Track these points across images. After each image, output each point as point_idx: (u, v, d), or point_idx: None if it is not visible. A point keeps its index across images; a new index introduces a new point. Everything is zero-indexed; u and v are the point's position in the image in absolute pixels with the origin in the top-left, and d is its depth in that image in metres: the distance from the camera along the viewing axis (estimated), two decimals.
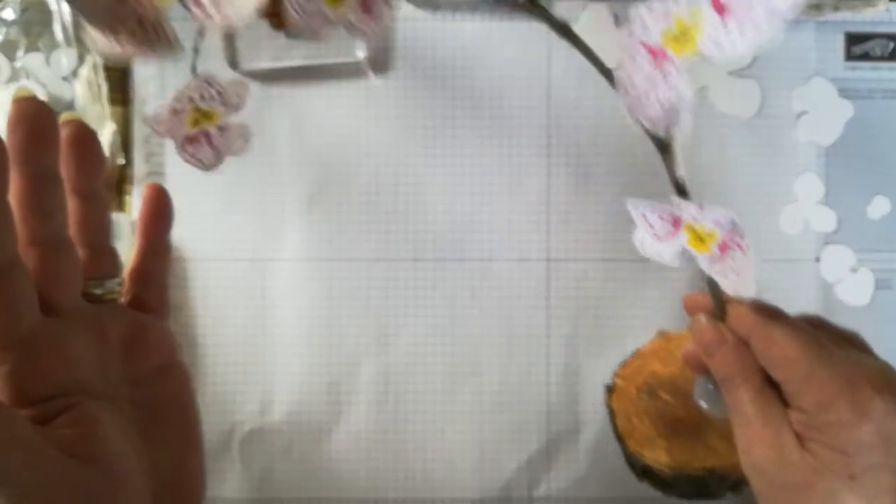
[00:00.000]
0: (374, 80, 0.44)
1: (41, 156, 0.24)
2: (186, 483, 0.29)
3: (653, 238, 0.29)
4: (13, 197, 0.23)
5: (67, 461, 0.23)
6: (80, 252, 0.27)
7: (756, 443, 0.30)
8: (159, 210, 0.31)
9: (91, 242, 0.28)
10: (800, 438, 0.29)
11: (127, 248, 0.42)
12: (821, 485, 0.28)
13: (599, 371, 0.44)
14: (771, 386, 0.31)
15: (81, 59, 0.43)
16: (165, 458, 0.28)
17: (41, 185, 0.24)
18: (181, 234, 0.43)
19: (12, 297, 0.23)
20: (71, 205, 0.26)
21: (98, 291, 0.28)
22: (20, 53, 0.44)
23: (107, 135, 0.43)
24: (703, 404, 0.35)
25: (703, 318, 0.32)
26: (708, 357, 0.32)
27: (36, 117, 0.24)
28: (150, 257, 0.31)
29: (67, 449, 0.23)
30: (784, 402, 0.31)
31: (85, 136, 0.25)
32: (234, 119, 0.29)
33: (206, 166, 0.29)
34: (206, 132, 0.28)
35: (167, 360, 0.30)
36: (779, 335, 0.31)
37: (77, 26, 0.43)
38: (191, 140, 0.28)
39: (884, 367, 0.31)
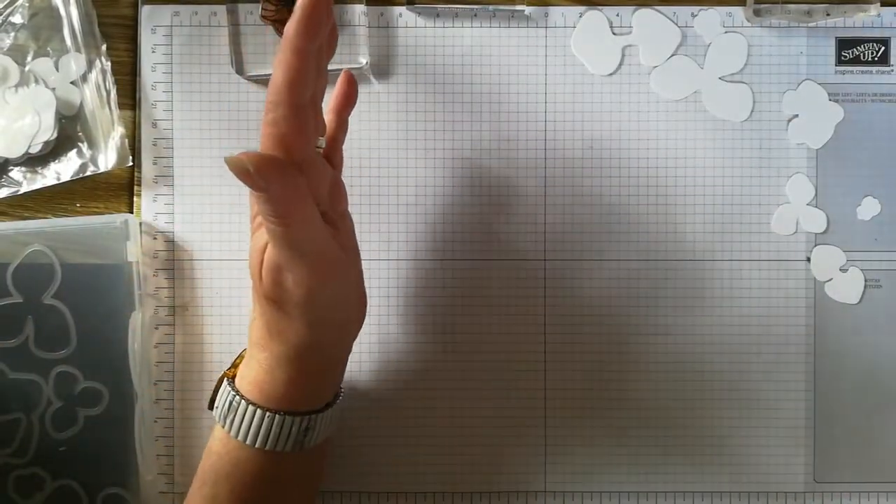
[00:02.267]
0: (376, 86, 0.44)
1: (315, 41, 0.32)
2: (364, 293, 0.39)
3: None
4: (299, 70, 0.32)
5: (335, 243, 0.35)
6: None
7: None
8: (350, 95, 0.38)
9: (319, 107, 0.36)
10: None
11: (135, 247, 0.43)
12: None
13: (595, 366, 0.44)
14: None
15: (90, 64, 0.44)
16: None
17: (312, 63, 0.32)
18: (188, 234, 0.44)
19: (308, 133, 0.33)
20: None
21: (319, 145, 0.37)
22: (29, 58, 0.44)
23: (115, 139, 0.44)
24: None
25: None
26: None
27: (315, 10, 0.31)
28: (338, 130, 0.38)
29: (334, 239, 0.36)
30: None
31: (319, 16, 0.32)
32: None
33: None
34: None
35: (346, 207, 0.38)
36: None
37: (86, 31, 0.44)
38: None
39: None
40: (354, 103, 0.39)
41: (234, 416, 0.36)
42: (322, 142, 0.37)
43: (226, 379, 0.38)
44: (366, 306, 0.39)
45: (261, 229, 0.35)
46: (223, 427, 0.37)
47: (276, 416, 0.36)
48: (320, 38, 0.32)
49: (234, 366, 0.39)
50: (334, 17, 0.36)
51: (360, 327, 0.39)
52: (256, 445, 0.36)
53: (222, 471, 0.37)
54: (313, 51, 0.32)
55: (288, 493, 0.38)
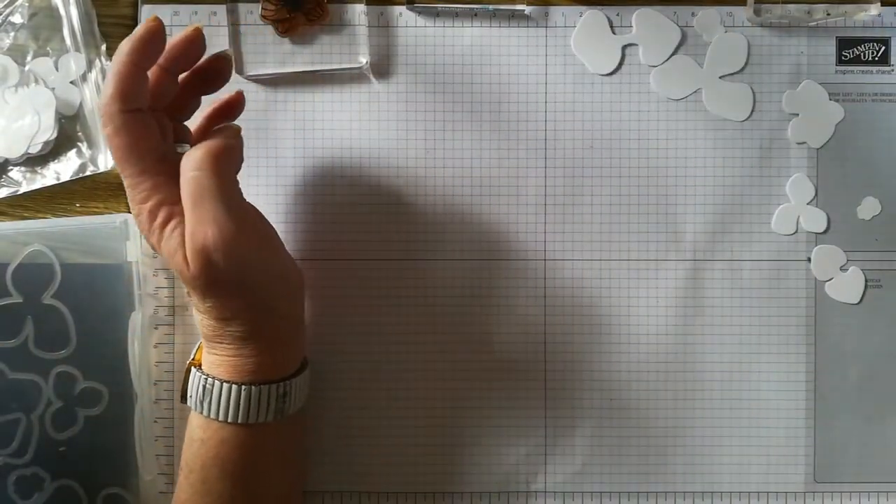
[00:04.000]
0: (376, 85, 0.44)
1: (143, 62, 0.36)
2: (291, 258, 0.42)
3: None
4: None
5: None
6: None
7: None
8: (226, 109, 0.41)
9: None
10: None
11: (135, 247, 0.43)
12: None
13: (595, 366, 0.44)
14: None
15: (90, 64, 0.44)
16: None
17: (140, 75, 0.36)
18: None
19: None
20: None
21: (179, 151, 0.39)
22: (29, 58, 0.44)
23: None
24: None
25: None
26: None
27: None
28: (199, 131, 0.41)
29: None
30: None
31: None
32: None
33: None
34: None
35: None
36: None
37: (86, 31, 0.44)
38: None
39: None
40: (230, 117, 0.41)
41: (210, 398, 0.37)
42: (186, 147, 0.38)
43: (192, 367, 0.39)
44: (299, 269, 0.41)
45: (173, 232, 0.36)
46: (201, 412, 0.38)
47: (252, 387, 0.37)
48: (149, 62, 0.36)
49: (195, 356, 0.40)
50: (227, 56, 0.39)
51: (303, 288, 0.41)
52: (239, 420, 0.37)
53: (208, 454, 0.38)
54: (141, 65, 0.35)
55: (274, 464, 0.39)
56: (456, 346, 0.44)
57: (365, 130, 0.44)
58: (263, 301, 0.37)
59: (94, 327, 0.43)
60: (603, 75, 0.44)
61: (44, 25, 0.44)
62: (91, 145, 0.44)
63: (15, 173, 0.44)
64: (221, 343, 0.37)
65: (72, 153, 0.44)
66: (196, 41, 0.37)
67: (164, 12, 0.44)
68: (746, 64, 0.44)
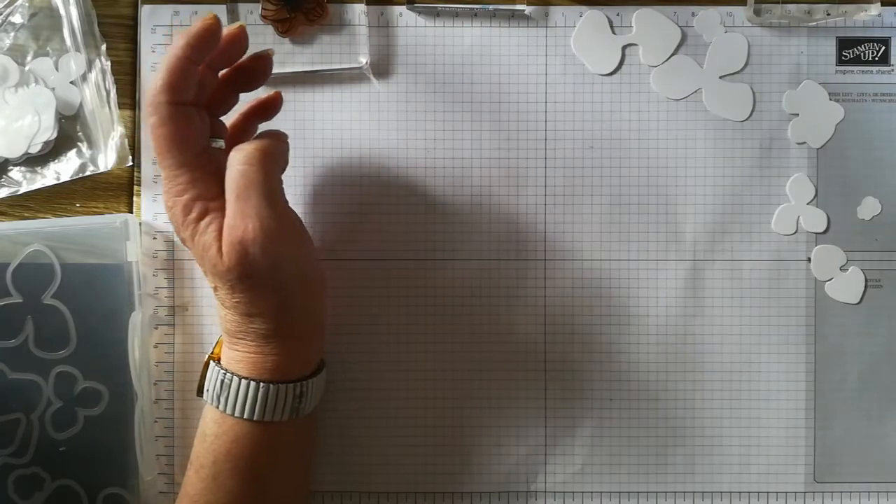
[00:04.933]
0: (376, 85, 0.44)
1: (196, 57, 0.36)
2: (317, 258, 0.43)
3: None
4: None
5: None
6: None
7: None
8: (266, 107, 0.42)
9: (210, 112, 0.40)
10: None
11: (135, 247, 0.43)
12: None
13: (595, 366, 0.44)
14: None
15: (90, 64, 0.44)
16: None
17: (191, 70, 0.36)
18: None
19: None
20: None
21: (217, 145, 0.40)
22: (29, 58, 0.44)
23: (115, 138, 0.44)
24: None
25: None
26: None
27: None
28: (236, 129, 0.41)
29: None
30: None
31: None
32: None
33: None
34: None
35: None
36: None
37: (86, 31, 0.44)
38: None
39: None
40: (266, 117, 0.42)
41: (228, 393, 0.37)
42: (221, 143, 0.40)
43: (212, 361, 0.39)
44: (323, 272, 0.41)
45: (209, 226, 0.36)
46: (217, 407, 0.38)
47: (271, 385, 0.37)
48: (202, 56, 0.36)
49: (215, 350, 0.40)
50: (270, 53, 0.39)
51: (325, 290, 0.41)
52: (255, 417, 0.37)
53: (221, 450, 0.38)
54: (194, 60, 0.35)
55: (286, 462, 0.39)
56: (455, 346, 0.44)
57: (365, 130, 0.44)
58: (291, 300, 0.37)
59: (94, 327, 0.43)
60: (603, 75, 0.44)
61: (44, 25, 0.44)
62: (91, 145, 0.44)
63: (15, 173, 0.44)
64: (244, 339, 0.38)
65: (72, 153, 0.44)
66: (240, 39, 0.37)
67: (164, 12, 0.44)
68: (746, 64, 0.44)
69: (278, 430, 0.38)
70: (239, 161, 0.36)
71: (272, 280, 0.36)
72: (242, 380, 0.37)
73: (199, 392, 0.39)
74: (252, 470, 0.38)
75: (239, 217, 0.35)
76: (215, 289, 0.37)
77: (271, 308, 0.37)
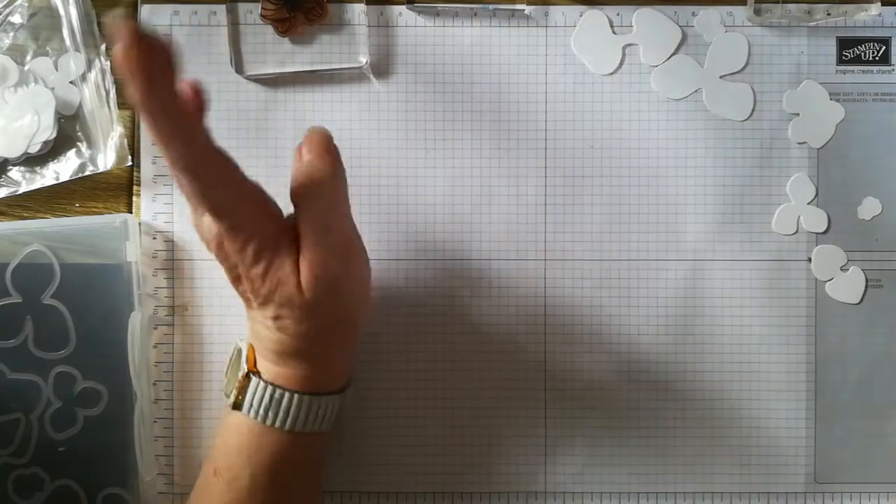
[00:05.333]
0: (376, 85, 0.44)
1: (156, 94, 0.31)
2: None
3: None
4: None
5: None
6: None
7: None
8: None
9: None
10: None
11: (135, 247, 0.43)
12: None
13: (595, 367, 0.44)
14: None
15: (89, 64, 0.44)
16: None
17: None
18: (187, 234, 0.44)
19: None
20: None
21: None
22: (28, 57, 0.44)
23: (114, 138, 0.44)
24: None
25: None
26: None
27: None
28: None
29: None
30: None
31: None
32: None
33: None
34: None
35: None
36: None
37: (85, 31, 0.44)
38: None
39: None
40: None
41: (279, 408, 0.37)
42: None
43: (253, 376, 0.37)
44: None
45: (283, 262, 0.35)
46: (265, 422, 0.37)
47: (323, 398, 0.37)
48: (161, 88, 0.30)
49: (249, 362, 0.38)
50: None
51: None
52: (306, 429, 0.37)
53: (261, 462, 0.37)
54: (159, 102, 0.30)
55: (315, 470, 0.40)
56: (455, 347, 0.44)
57: (365, 130, 0.44)
58: (353, 327, 0.38)
59: (93, 327, 0.43)
60: (603, 75, 0.44)
61: (43, 25, 0.44)
62: (90, 145, 0.44)
63: (14, 173, 0.44)
64: (294, 358, 0.37)
65: (71, 153, 0.44)
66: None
67: (164, 12, 0.44)
68: (747, 64, 0.44)
69: (320, 439, 0.39)
70: (314, 197, 0.36)
71: (345, 312, 0.37)
72: (295, 394, 0.37)
73: (237, 407, 0.37)
74: (287, 479, 0.38)
75: (325, 252, 0.35)
76: (276, 317, 0.36)
77: (332, 335, 0.37)
